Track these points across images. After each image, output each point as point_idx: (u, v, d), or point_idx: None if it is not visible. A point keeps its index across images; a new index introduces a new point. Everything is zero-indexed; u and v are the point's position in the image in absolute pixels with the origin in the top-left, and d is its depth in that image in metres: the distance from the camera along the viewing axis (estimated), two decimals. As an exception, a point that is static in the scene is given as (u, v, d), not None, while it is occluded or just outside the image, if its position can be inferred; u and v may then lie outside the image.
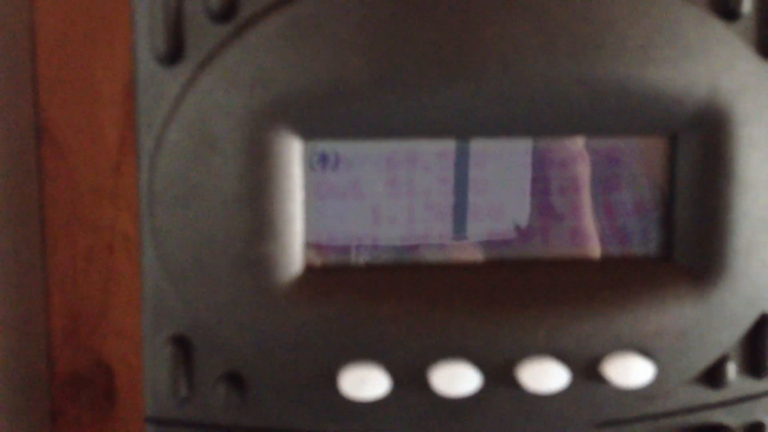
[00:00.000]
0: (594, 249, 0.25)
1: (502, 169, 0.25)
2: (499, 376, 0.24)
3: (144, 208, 0.24)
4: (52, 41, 0.34)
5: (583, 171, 0.25)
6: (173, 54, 0.23)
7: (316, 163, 0.24)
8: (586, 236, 0.25)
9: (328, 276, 0.24)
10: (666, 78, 0.23)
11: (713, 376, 0.26)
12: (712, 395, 0.26)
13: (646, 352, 0.24)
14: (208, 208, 0.23)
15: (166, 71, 0.23)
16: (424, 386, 0.24)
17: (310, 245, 0.24)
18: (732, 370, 0.26)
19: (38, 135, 0.35)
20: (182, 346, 0.24)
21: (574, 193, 0.25)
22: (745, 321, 0.25)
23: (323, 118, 0.23)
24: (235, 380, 0.24)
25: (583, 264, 0.25)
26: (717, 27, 0.24)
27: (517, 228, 0.25)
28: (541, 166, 0.25)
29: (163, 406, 0.25)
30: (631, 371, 0.24)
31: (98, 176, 0.35)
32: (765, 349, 0.26)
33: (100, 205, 0.35)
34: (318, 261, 0.24)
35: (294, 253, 0.24)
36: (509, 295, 0.24)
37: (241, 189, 0.23)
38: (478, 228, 0.25)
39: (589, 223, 0.25)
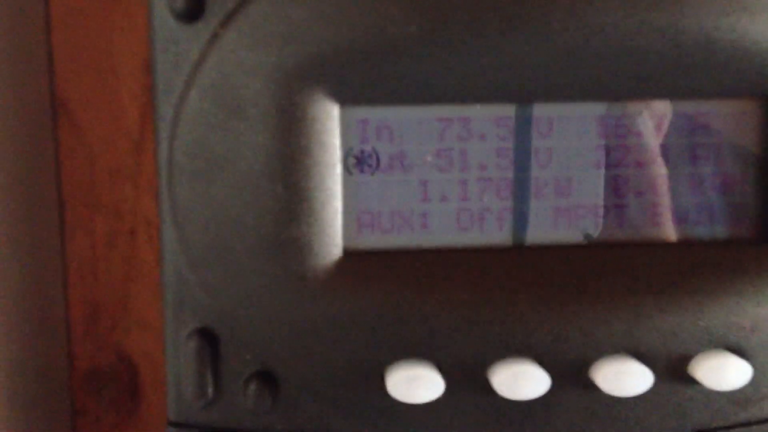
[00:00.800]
0: (678, 231, 0.22)
1: (570, 138, 0.22)
2: (570, 377, 0.21)
3: (163, 186, 0.21)
4: (66, 10, 0.32)
5: (665, 140, 0.22)
6: (193, 9, 0.20)
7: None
8: (669, 216, 0.22)
9: (371, 261, 0.21)
10: (761, 30, 0.20)
11: (815, 377, 0.23)
12: (813, 399, 0.23)
13: (740, 350, 0.21)
14: (234, 184, 0.20)
15: (186, 29, 0.20)
16: (484, 388, 0.21)
17: (350, 226, 0.21)
18: (838, 370, 0.23)
19: (54, 111, 0.33)
20: (207, 341, 0.21)
21: (654, 166, 0.22)
22: None
23: (362, 79, 0.20)
24: (267, 379, 0.21)
25: (666, 248, 0.21)
26: None
27: (587, 207, 0.22)
28: (615, 134, 0.22)
29: (188, 409, 0.22)
30: (724, 372, 0.21)
31: (118, 156, 0.32)
32: None
33: (120, 187, 0.33)
34: (359, 244, 0.22)
35: (332, 235, 0.20)
36: (581, 285, 0.21)
37: (271, 161, 0.20)
38: (543, 207, 0.22)
39: (672, 200, 0.22)
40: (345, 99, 0.20)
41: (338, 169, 0.21)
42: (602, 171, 0.22)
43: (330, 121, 0.20)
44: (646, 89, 0.21)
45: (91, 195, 0.33)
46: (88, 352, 0.34)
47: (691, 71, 0.20)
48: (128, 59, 0.32)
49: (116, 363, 0.34)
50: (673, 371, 0.21)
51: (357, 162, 0.21)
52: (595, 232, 0.22)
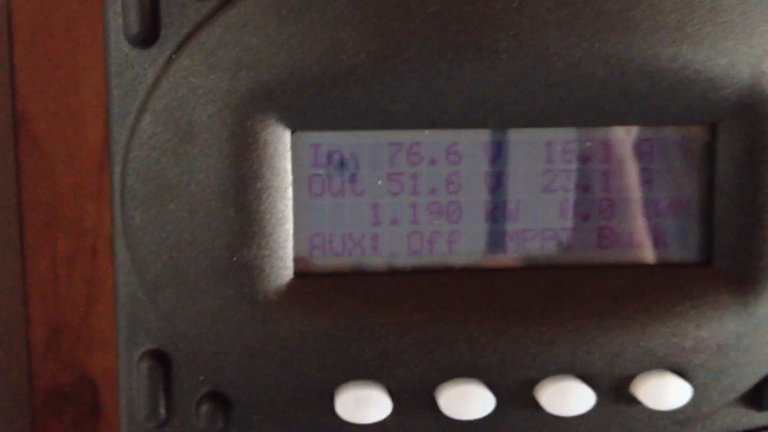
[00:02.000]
0: (623, 254, 0.22)
1: (519, 163, 0.22)
2: (516, 397, 0.21)
3: (116, 208, 0.21)
4: (29, 28, 0.32)
5: (611, 165, 0.22)
6: (148, 34, 0.20)
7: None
8: (614, 239, 0.23)
9: (322, 283, 0.21)
10: (704, 58, 0.21)
11: (759, 396, 0.23)
12: (758, 418, 0.23)
13: (682, 370, 0.21)
14: (186, 207, 0.20)
15: (141, 54, 0.21)
16: (431, 408, 0.21)
17: (302, 248, 0.22)
18: (778, 389, 0.23)
19: (15, 129, 0.33)
20: (160, 362, 0.21)
21: (599, 191, 0.22)
22: (795, 335, 0.23)
23: (314, 105, 0.20)
24: (218, 400, 0.22)
25: (609, 270, 0.22)
26: (761, 2, 0.21)
27: (535, 230, 0.22)
28: (562, 159, 0.22)
29: (140, 430, 0.22)
30: (665, 392, 0.21)
31: (80, 174, 0.32)
32: (815, 366, 0.23)
33: (82, 205, 0.33)
34: (310, 266, 0.22)
35: (283, 258, 0.21)
36: (527, 307, 0.21)
37: (222, 185, 0.20)
38: (492, 231, 0.22)
39: (616, 224, 0.23)
40: (296, 124, 0.21)
41: (289, 193, 0.21)
42: (550, 195, 0.22)
43: (281, 146, 0.21)
44: (592, 116, 0.21)
45: (53, 213, 0.33)
46: (49, 372, 0.34)
47: (637, 99, 0.21)
48: (91, 77, 0.32)
49: (77, 382, 0.34)
50: (615, 391, 0.21)
51: (309, 187, 0.22)
52: (542, 256, 0.22)
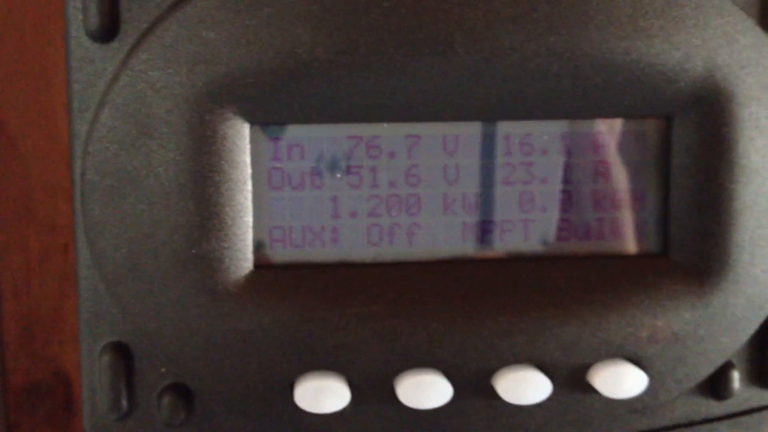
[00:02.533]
0: (580, 245, 0.23)
1: (477, 156, 0.22)
2: (473, 386, 0.21)
3: (76, 202, 0.21)
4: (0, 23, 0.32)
5: (568, 158, 0.23)
6: (108, 30, 0.21)
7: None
8: (571, 231, 0.23)
9: (282, 275, 0.21)
10: (657, 52, 0.21)
11: (715, 386, 0.23)
12: (715, 407, 0.24)
13: (638, 359, 0.22)
14: (146, 200, 0.21)
15: (100, 49, 0.21)
16: (389, 398, 0.21)
17: (262, 241, 0.22)
18: (736, 379, 0.23)
19: (-10, 128, 0.33)
20: (121, 354, 0.22)
21: (556, 183, 0.23)
22: (750, 324, 0.23)
23: (272, 99, 0.20)
24: (180, 392, 0.22)
25: (566, 261, 0.22)
26: None
27: (493, 222, 0.23)
28: (520, 152, 0.22)
29: (103, 422, 0.22)
30: (621, 381, 0.21)
31: (53, 171, 0.33)
32: (773, 356, 0.24)
33: (55, 201, 0.33)
34: (270, 259, 0.22)
35: (243, 250, 0.21)
36: (484, 298, 0.21)
37: (181, 178, 0.20)
38: (451, 223, 0.23)
39: (573, 215, 0.23)
40: (255, 118, 0.21)
41: (249, 186, 0.21)
42: (507, 187, 0.22)
43: (240, 140, 0.21)
44: (548, 109, 0.22)
45: (25, 210, 0.33)
46: (22, 367, 0.34)
47: (592, 92, 0.21)
48: (63, 73, 0.32)
49: (51, 378, 0.34)
50: (572, 380, 0.22)
51: (268, 179, 0.22)
52: (500, 248, 0.23)
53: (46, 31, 0.32)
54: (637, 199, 0.23)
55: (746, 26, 0.22)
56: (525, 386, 0.21)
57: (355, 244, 0.22)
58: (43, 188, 0.34)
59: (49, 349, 0.35)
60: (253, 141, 0.21)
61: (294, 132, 0.22)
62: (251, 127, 0.21)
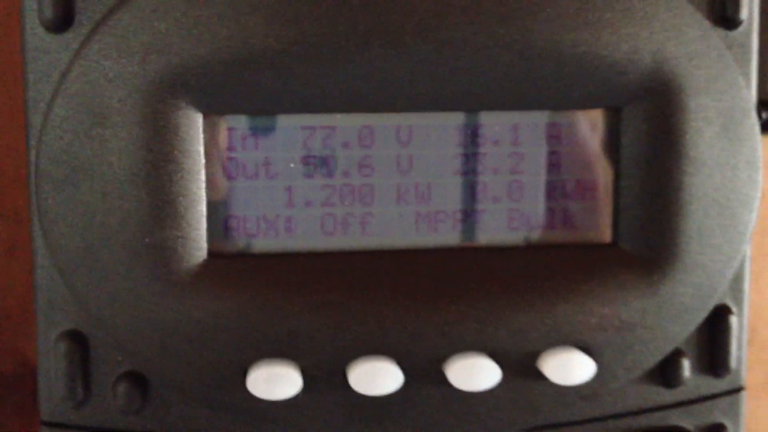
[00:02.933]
0: (531, 234, 0.23)
1: (429, 146, 0.23)
2: (424, 373, 0.22)
3: (32, 192, 0.22)
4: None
5: (519, 149, 0.23)
6: (62, 20, 0.21)
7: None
8: (522, 221, 0.23)
9: (236, 264, 0.21)
10: (606, 44, 0.21)
11: (665, 373, 0.24)
12: (666, 395, 0.24)
13: (587, 347, 0.22)
14: (99, 190, 0.21)
15: (55, 39, 0.21)
16: (341, 385, 0.22)
17: (216, 230, 0.22)
18: (686, 367, 0.24)
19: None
20: (77, 343, 0.22)
21: (510, 173, 0.23)
22: (699, 313, 0.23)
23: (225, 89, 0.21)
24: (136, 380, 0.22)
25: (517, 251, 0.22)
26: None
27: (445, 213, 0.23)
28: (471, 143, 0.23)
29: (59, 409, 0.22)
30: (570, 368, 0.22)
31: (19, 162, 0.33)
32: (723, 344, 0.24)
33: (22, 194, 0.33)
34: (224, 248, 0.22)
35: (197, 239, 0.21)
36: (436, 286, 0.22)
37: (135, 168, 0.21)
38: (405, 213, 0.23)
39: (523, 206, 0.23)
40: (208, 108, 0.21)
41: (202, 175, 0.21)
42: (459, 178, 0.23)
43: (193, 129, 0.21)
44: (497, 101, 0.22)
45: (-8, 202, 0.33)
46: (-10, 359, 0.34)
47: (541, 84, 0.22)
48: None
49: (19, 370, 0.34)
50: (521, 367, 0.22)
51: (223, 168, 0.22)
52: (452, 237, 0.23)
53: (10, 21, 0.32)
54: (588, 189, 0.23)
55: (694, 19, 0.22)
56: (475, 373, 0.21)
57: (309, 234, 0.22)
58: (10, 180, 0.34)
59: (17, 340, 0.35)
60: (206, 131, 0.21)
61: (248, 122, 0.22)
62: (204, 117, 0.21)
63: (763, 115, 0.33)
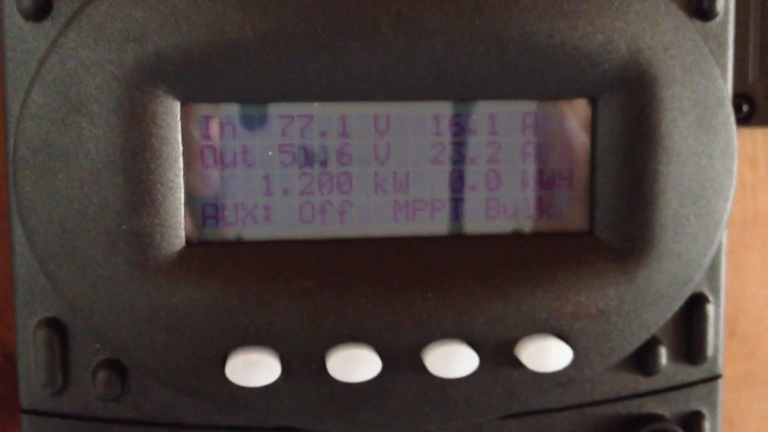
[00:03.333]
0: (508, 223, 0.23)
1: (408, 136, 0.23)
2: (402, 360, 0.22)
3: (9, 180, 0.22)
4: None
5: (495, 138, 0.23)
6: (40, 9, 0.21)
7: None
8: (499, 210, 0.23)
9: (212, 252, 0.22)
10: (581, 35, 0.21)
11: (642, 361, 0.24)
12: (643, 383, 0.24)
13: (563, 334, 0.22)
14: (77, 177, 0.21)
15: (33, 28, 0.21)
16: (319, 372, 0.22)
17: (194, 218, 0.22)
18: (663, 355, 0.24)
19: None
20: (56, 330, 0.22)
21: (486, 162, 0.23)
22: (675, 301, 0.23)
23: (202, 78, 0.21)
24: (114, 367, 0.22)
25: (494, 239, 0.23)
26: None
27: (423, 201, 0.23)
28: (447, 132, 0.23)
29: (39, 397, 0.22)
30: (546, 355, 0.22)
31: (2, 156, 0.33)
32: (699, 332, 0.24)
33: (3, 185, 0.33)
34: (202, 236, 0.22)
35: (174, 227, 0.21)
36: (414, 274, 0.22)
37: (112, 155, 0.21)
38: (382, 201, 0.23)
39: (502, 194, 0.23)
40: (186, 96, 0.21)
41: (180, 163, 0.21)
42: (435, 166, 0.23)
43: (171, 118, 0.21)
44: (473, 90, 0.22)
45: (-26, 194, 0.33)
46: (-28, 351, 0.34)
47: (517, 74, 0.22)
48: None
49: (1, 361, 0.34)
50: (499, 354, 0.22)
51: (200, 156, 0.22)
52: (430, 225, 0.23)
53: None
54: (564, 178, 0.23)
55: (669, 9, 0.22)
56: (453, 360, 0.22)
57: (287, 222, 0.22)
58: (-7, 172, 0.34)
59: (0, 332, 0.35)
60: (183, 119, 0.22)
61: (225, 110, 0.22)
62: (182, 105, 0.21)
63: (744, 108, 0.33)
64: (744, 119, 0.33)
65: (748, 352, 0.38)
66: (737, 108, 0.33)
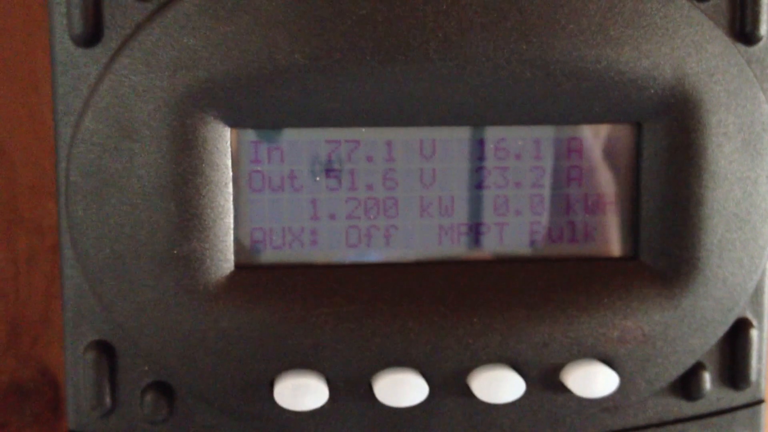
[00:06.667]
0: (553, 248, 0.23)
1: (451, 160, 0.23)
2: (449, 385, 0.22)
3: (61, 204, 0.22)
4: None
5: (540, 162, 0.23)
6: (91, 35, 0.21)
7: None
8: (545, 234, 0.23)
9: (262, 276, 0.22)
10: (627, 60, 0.22)
11: (686, 386, 0.24)
12: (686, 408, 0.24)
13: (609, 360, 0.22)
14: (128, 202, 0.21)
15: (85, 53, 0.21)
16: (367, 396, 0.22)
17: (243, 242, 0.22)
18: (707, 380, 0.24)
19: (-21, 131, 0.33)
20: (105, 352, 0.22)
21: (531, 187, 0.23)
22: (720, 326, 0.23)
23: (251, 103, 0.21)
24: (162, 390, 0.22)
25: (541, 264, 0.23)
26: (684, 6, 0.22)
27: (468, 225, 0.23)
28: (492, 156, 0.23)
29: (87, 419, 0.23)
30: (592, 381, 0.22)
31: (40, 174, 0.33)
32: (743, 357, 0.24)
33: (42, 203, 0.33)
34: (251, 259, 0.22)
35: (224, 251, 0.21)
36: (460, 298, 0.22)
37: (162, 180, 0.21)
38: (428, 225, 0.23)
39: (547, 219, 0.23)
40: (235, 122, 0.21)
41: (230, 188, 0.22)
42: (481, 191, 0.23)
43: (221, 143, 0.21)
44: (519, 116, 0.22)
45: (13, 211, 0.33)
46: (9, 367, 0.34)
47: (563, 99, 0.22)
48: (49, 78, 0.33)
49: (38, 378, 0.35)
50: (545, 379, 0.22)
51: (249, 182, 0.22)
52: (476, 250, 0.23)
53: (34, 35, 0.33)
54: (609, 203, 0.23)
55: (714, 35, 0.22)
56: (499, 385, 0.22)
57: (334, 246, 0.23)
58: (31, 191, 0.34)
59: (36, 349, 0.35)
60: (233, 144, 0.22)
61: (274, 135, 0.22)
62: (232, 131, 0.22)
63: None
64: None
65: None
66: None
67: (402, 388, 0.21)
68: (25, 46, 0.33)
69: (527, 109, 0.22)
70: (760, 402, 0.25)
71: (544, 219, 0.23)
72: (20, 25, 0.33)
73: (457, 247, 0.23)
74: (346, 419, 0.22)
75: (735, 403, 0.24)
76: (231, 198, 0.22)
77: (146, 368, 0.22)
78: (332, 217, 0.23)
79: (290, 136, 0.22)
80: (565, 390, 0.22)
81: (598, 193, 0.23)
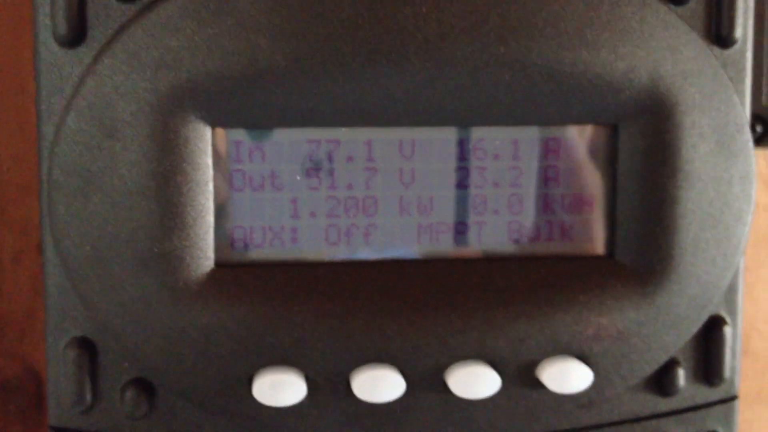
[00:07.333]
0: (530, 246, 0.24)
1: (432, 160, 0.23)
2: (426, 381, 0.22)
3: (43, 202, 0.22)
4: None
5: (519, 163, 0.24)
6: (75, 35, 0.21)
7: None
8: (522, 233, 0.24)
9: (242, 274, 0.22)
10: (604, 62, 0.22)
11: (661, 382, 0.24)
12: (661, 403, 0.25)
13: (584, 356, 0.23)
14: (109, 201, 0.21)
15: (68, 54, 0.22)
16: (345, 392, 0.22)
17: (223, 240, 0.23)
18: (681, 376, 0.24)
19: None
20: (86, 349, 0.22)
21: (509, 186, 0.24)
22: (693, 323, 0.24)
23: (232, 103, 0.21)
24: (143, 386, 0.23)
25: (517, 262, 0.23)
26: (660, 9, 0.22)
27: (447, 224, 0.23)
28: (471, 157, 0.23)
29: (67, 415, 0.23)
30: (567, 377, 0.22)
31: (27, 173, 0.33)
32: (717, 353, 0.25)
33: (28, 203, 0.33)
34: (231, 258, 0.23)
35: (204, 249, 0.22)
36: (437, 296, 0.22)
37: (144, 179, 0.21)
38: (406, 224, 0.23)
39: (524, 218, 0.24)
40: (217, 122, 0.22)
41: (210, 187, 0.22)
42: (459, 190, 0.23)
43: (203, 143, 0.22)
44: (498, 116, 0.22)
45: (0, 210, 0.33)
46: (-6, 364, 0.35)
47: (541, 101, 0.22)
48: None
49: (23, 375, 0.35)
50: (521, 376, 0.23)
51: (229, 181, 0.23)
52: (453, 249, 0.23)
53: (20, 35, 0.33)
54: (586, 202, 0.24)
55: (689, 38, 0.23)
56: (475, 381, 0.22)
57: (314, 244, 0.23)
58: (17, 189, 0.34)
59: (21, 346, 0.35)
60: (215, 144, 0.22)
61: (255, 135, 0.22)
62: (213, 131, 0.22)
63: (757, 129, 0.33)
64: (758, 140, 0.33)
65: (760, 370, 0.38)
66: (751, 129, 0.33)
67: (380, 384, 0.22)
68: (12, 47, 0.33)
69: (506, 110, 0.22)
70: (733, 398, 0.25)
71: (522, 218, 0.24)
72: (6, 25, 0.33)
73: (435, 246, 0.23)
74: (325, 415, 0.22)
75: (709, 399, 0.25)
76: (212, 197, 0.22)
77: (127, 365, 0.23)
78: (313, 215, 0.23)
79: (271, 135, 0.22)
80: (540, 386, 0.23)
81: (575, 193, 0.24)
